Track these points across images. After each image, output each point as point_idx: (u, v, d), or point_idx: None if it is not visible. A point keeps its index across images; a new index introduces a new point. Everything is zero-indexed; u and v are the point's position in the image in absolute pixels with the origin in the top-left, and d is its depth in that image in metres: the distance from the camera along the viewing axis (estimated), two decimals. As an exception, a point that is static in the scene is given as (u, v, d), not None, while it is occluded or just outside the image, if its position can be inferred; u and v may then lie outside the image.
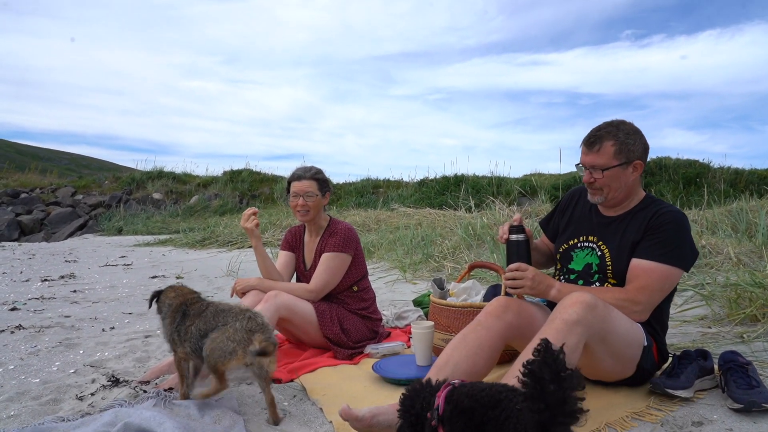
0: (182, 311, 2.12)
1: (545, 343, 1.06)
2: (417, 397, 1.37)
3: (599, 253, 2.18)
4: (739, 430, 1.79)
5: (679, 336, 2.87)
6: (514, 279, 2.03)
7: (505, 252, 2.19)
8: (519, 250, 2.11)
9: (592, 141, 2.09)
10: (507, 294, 2.14)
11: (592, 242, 2.22)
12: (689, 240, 2.09)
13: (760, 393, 1.91)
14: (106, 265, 7.36)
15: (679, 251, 2.03)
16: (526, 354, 1.74)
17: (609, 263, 2.13)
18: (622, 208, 2.20)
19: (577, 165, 2.19)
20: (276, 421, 1.95)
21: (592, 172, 2.10)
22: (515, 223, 2.14)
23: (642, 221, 2.10)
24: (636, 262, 2.06)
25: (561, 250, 2.31)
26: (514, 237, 2.12)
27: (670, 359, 2.23)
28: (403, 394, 1.44)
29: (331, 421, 1.95)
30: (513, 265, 2.06)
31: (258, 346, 1.89)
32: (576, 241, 2.27)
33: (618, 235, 2.15)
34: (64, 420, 1.93)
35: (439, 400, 1.27)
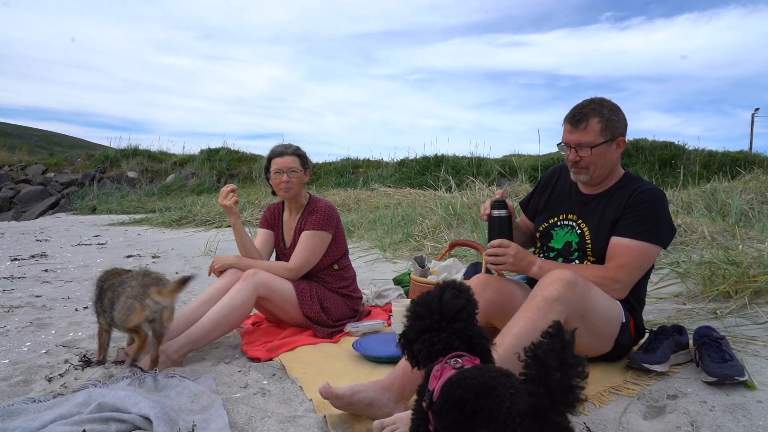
0: (100, 286, 2.30)
1: (557, 326, 1.00)
2: (430, 314, 1.33)
3: (579, 231, 2.18)
4: (712, 402, 1.82)
5: (655, 312, 2.92)
6: (495, 255, 2.01)
7: (486, 229, 2.17)
8: (501, 226, 2.09)
9: (577, 118, 2.05)
10: (487, 271, 2.13)
11: (572, 220, 2.22)
12: (667, 218, 2.09)
13: (732, 366, 1.95)
14: (79, 245, 7.19)
15: (658, 228, 2.04)
16: (508, 331, 1.74)
17: (588, 241, 2.14)
18: (602, 186, 2.19)
19: (559, 144, 2.16)
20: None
21: (578, 150, 2.07)
22: (498, 197, 2.11)
23: (621, 199, 2.10)
24: (615, 240, 2.06)
25: (541, 228, 2.31)
26: (496, 213, 2.09)
27: (647, 335, 2.26)
28: (420, 298, 1.39)
29: (311, 399, 1.93)
30: (495, 242, 2.04)
31: (155, 297, 2.08)
32: (556, 219, 2.27)
33: (598, 213, 2.15)
34: (35, 401, 1.87)
35: (437, 385, 1.24)
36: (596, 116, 2.04)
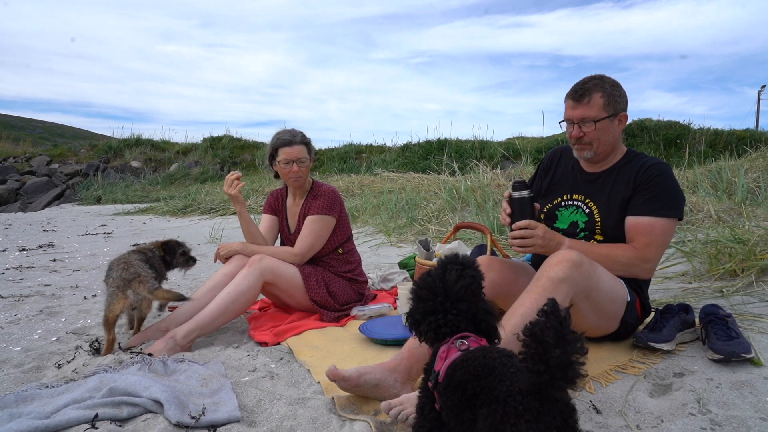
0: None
1: (552, 304, 1.01)
2: (434, 294, 1.32)
3: (587, 210, 2.17)
4: (718, 379, 1.83)
5: (661, 292, 2.92)
6: (522, 238, 1.94)
7: (492, 212, 2.15)
8: (523, 207, 1.99)
9: (580, 93, 2.04)
10: (492, 252, 2.11)
11: (578, 200, 2.20)
12: (678, 187, 2.09)
13: (739, 344, 1.95)
14: (85, 234, 7.24)
15: (674, 201, 2.04)
16: (514, 312, 1.74)
17: (598, 220, 2.12)
18: (606, 163, 2.18)
19: (561, 122, 2.14)
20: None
21: (582, 125, 2.05)
22: (518, 179, 2.05)
23: (629, 176, 2.09)
24: (635, 220, 2.04)
25: (545, 209, 2.30)
26: (517, 194, 2.00)
27: (653, 314, 2.26)
28: (422, 279, 1.38)
29: (318, 382, 1.95)
30: (521, 223, 1.95)
31: (136, 289, 2.32)
32: (560, 200, 2.25)
33: (605, 191, 2.13)
34: (47, 386, 1.90)
35: (442, 366, 1.25)
36: (599, 91, 2.03)
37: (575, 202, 2.21)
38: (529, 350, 0.98)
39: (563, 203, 2.24)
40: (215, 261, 2.84)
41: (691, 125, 13.46)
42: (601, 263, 1.94)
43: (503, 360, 1.12)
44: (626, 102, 2.10)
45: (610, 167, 2.17)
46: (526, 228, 1.93)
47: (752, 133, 12.97)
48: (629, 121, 2.08)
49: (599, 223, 2.12)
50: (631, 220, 2.05)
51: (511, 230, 1.99)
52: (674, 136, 12.62)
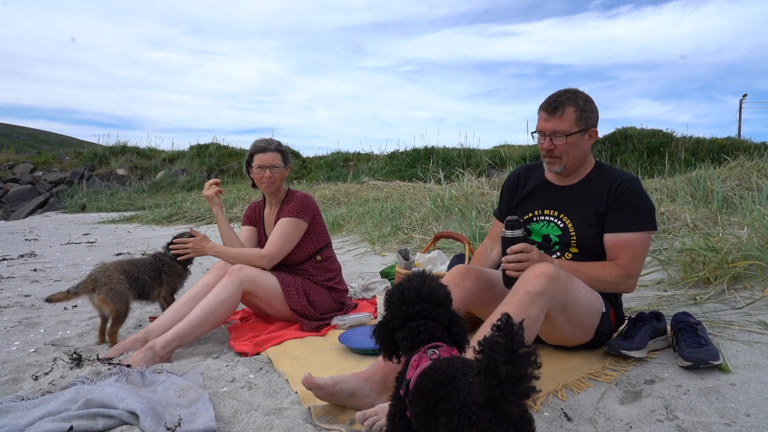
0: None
1: (505, 319, 1.03)
2: (407, 304, 1.34)
3: (561, 224, 2.19)
4: (687, 385, 1.88)
5: (636, 300, 2.97)
6: (519, 261, 1.89)
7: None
8: (514, 245, 1.93)
9: (554, 106, 2.07)
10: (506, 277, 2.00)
11: (550, 215, 2.23)
12: (649, 199, 2.15)
13: (708, 351, 2.00)
14: (68, 243, 7.17)
15: (649, 214, 2.09)
16: (490, 323, 1.77)
17: (573, 233, 2.15)
18: (576, 177, 2.22)
19: (533, 133, 2.17)
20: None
21: (553, 138, 2.09)
22: (511, 218, 1.96)
23: (601, 190, 2.13)
24: (616, 237, 2.07)
25: None
26: (509, 233, 1.94)
27: (626, 322, 2.31)
28: (395, 289, 1.40)
29: (296, 392, 1.96)
30: (516, 247, 1.89)
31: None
32: (531, 215, 2.28)
33: (578, 205, 2.17)
34: (23, 399, 1.89)
35: (413, 374, 1.27)
36: (572, 105, 2.07)
37: (548, 217, 2.23)
38: (482, 364, 1.01)
39: (535, 218, 2.27)
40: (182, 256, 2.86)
41: (674, 134, 13.69)
42: (589, 284, 1.99)
43: (464, 370, 1.15)
44: (597, 118, 2.15)
45: (580, 180, 2.21)
46: (522, 252, 1.89)
47: (733, 142, 13.21)
48: (602, 134, 2.13)
49: (574, 237, 2.15)
50: (611, 238, 2.09)
51: (505, 254, 1.94)
52: (657, 145, 12.82)
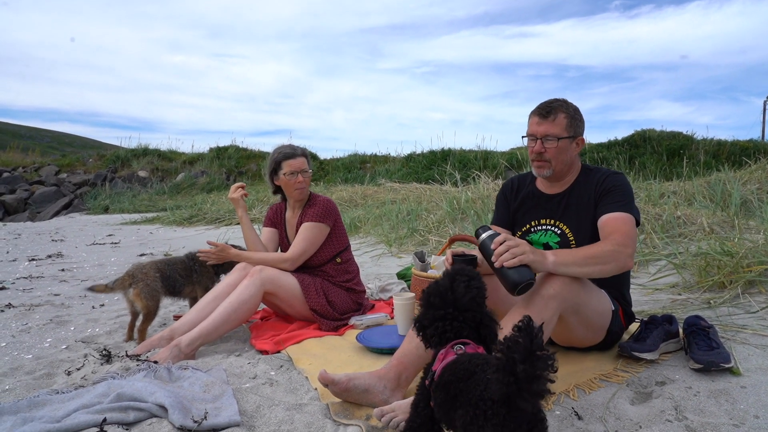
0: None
1: (526, 321, 1.07)
2: (444, 301, 1.42)
3: (558, 231, 2.23)
4: (697, 388, 1.91)
5: (650, 303, 3.00)
6: (509, 249, 1.76)
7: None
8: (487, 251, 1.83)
9: (547, 111, 2.14)
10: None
11: (547, 224, 2.27)
12: (633, 193, 2.19)
13: (719, 354, 2.03)
14: (93, 244, 7.37)
15: (633, 204, 2.13)
16: (506, 326, 1.81)
17: (571, 238, 2.20)
18: (565, 183, 2.26)
19: (524, 137, 2.21)
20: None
21: (545, 141, 2.14)
22: (479, 227, 1.92)
23: (591, 187, 2.18)
24: (606, 217, 2.08)
25: (517, 236, 2.35)
26: (485, 235, 1.85)
27: (638, 324, 2.35)
28: (432, 288, 1.47)
29: (315, 388, 2.04)
30: (499, 238, 1.79)
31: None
32: (529, 226, 2.32)
33: (572, 210, 2.21)
34: (58, 392, 2.00)
35: (439, 367, 1.35)
36: (563, 112, 2.13)
37: (545, 226, 2.27)
38: (500, 362, 1.06)
39: (532, 229, 2.30)
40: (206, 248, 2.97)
41: (695, 135, 13.53)
42: (589, 263, 1.89)
43: (484, 367, 1.21)
44: (584, 127, 2.21)
45: (570, 185, 2.25)
46: (505, 240, 1.78)
47: (756, 144, 13.00)
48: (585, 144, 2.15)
49: (573, 242, 2.19)
50: (602, 220, 2.09)
51: (490, 261, 1.81)
52: (677, 147, 12.68)
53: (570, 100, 2.20)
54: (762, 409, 1.73)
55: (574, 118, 2.14)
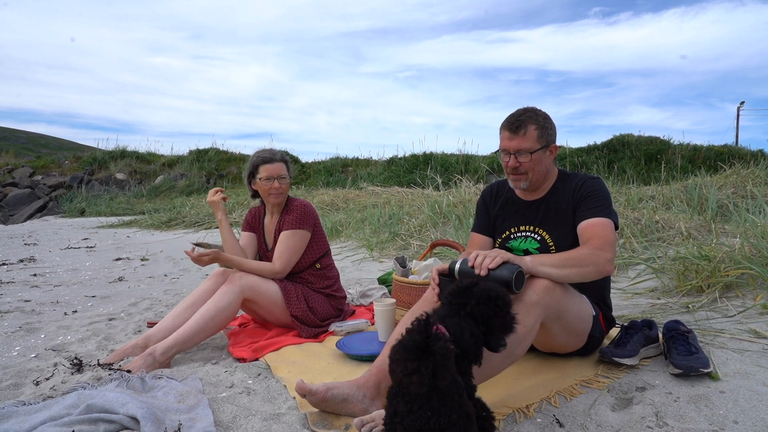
0: None
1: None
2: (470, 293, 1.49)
3: (538, 237, 2.24)
4: (677, 393, 1.91)
5: (630, 307, 3.01)
6: (486, 257, 1.76)
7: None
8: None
9: (516, 125, 2.13)
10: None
11: (527, 230, 2.27)
12: (610, 197, 2.20)
13: (698, 359, 2.04)
14: (68, 248, 7.20)
15: (612, 209, 2.13)
16: None
17: (551, 243, 2.20)
18: (543, 190, 2.27)
19: (497, 152, 2.23)
20: None
21: (518, 156, 2.14)
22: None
23: (568, 193, 2.19)
24: (585, 223, 2.09)
25: (497, 245, 2.36)
26: (457, 264, 1.85)
27: (618, 329, 2.35)
28: (458, 288, 1.52)
29: (294, 397, 1.99)
30: (472, 255, 1.80)
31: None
32: (509, 233, 2.32)
33: (550, 215, 2.22)
34: (25, 404, 1.92)
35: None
36: (533, 123, 2.12)
37: (524, 233, 2.28)
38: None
39: (512, 236, 2.31)
40: (191, 252, 2.72)
41: (671, 141, 13.79)
42: (567, 265, 1.88)
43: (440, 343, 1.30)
44: (556, 134, 2.21)
45: (548, 191, 2.26)
46: (479, 253, 1.79)
47: (730, 149, 13.30)
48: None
49: (553, 247, 2.19)
50: (582, 225, 2.10)
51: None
52: (654, 152, 12.91)
53: (539, 107, 2.19)
54: (741, 414, 1.74)
55: (544, 127, 2.14)
